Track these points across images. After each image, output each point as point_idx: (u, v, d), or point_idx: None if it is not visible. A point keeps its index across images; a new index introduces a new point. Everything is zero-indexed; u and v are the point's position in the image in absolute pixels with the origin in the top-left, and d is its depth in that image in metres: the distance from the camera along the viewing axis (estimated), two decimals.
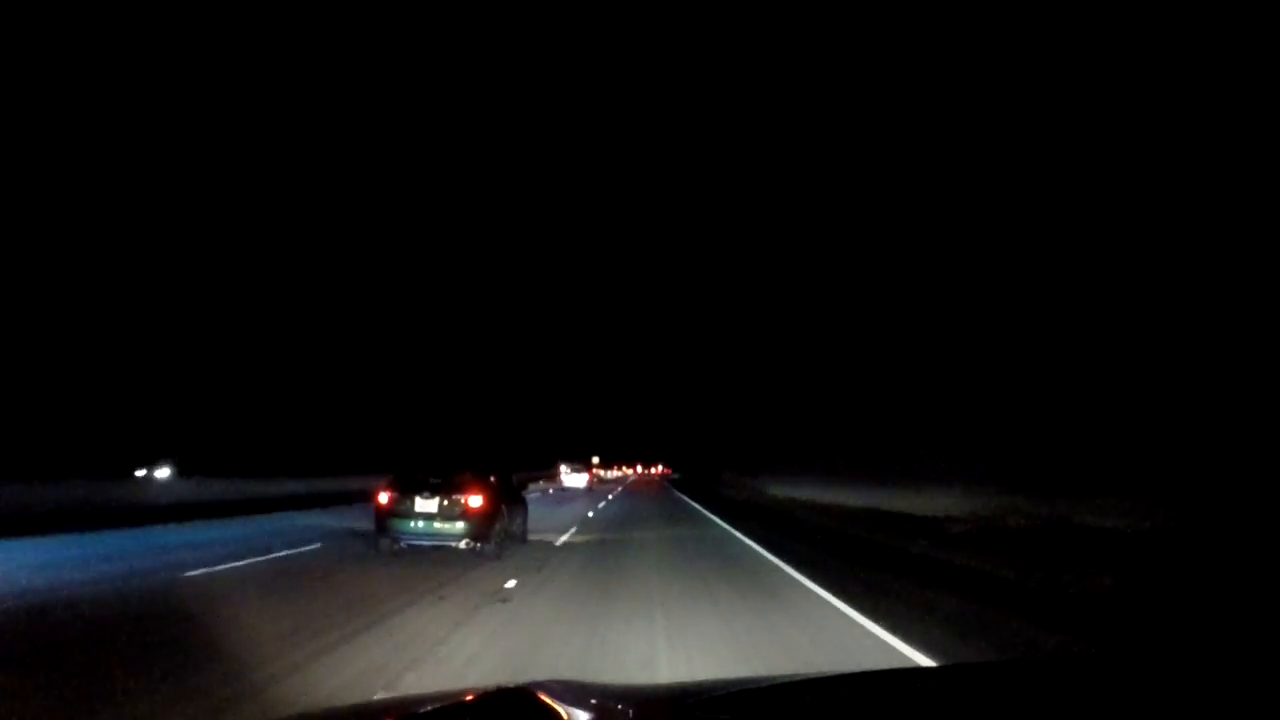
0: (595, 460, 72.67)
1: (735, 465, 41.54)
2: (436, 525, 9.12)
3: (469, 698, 1.59)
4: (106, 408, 18.03)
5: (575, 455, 63.53)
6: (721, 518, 18.48)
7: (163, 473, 19.50)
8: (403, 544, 9.43)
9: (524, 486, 13.19)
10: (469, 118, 50.96)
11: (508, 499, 10.47)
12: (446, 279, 44.18)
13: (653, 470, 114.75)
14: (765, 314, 32.68)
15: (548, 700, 1.42)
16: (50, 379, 16.84)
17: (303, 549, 10.01)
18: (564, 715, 1.34)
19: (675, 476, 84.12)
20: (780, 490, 28.74)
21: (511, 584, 7.55)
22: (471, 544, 9.18)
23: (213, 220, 22.89)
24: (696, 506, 23.95)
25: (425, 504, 9.20)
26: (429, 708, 1.49)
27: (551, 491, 32.76)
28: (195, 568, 7.90)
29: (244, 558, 8.85)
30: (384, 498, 9.39)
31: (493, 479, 10.04)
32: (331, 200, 30.49)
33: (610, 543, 12.14)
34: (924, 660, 4.87)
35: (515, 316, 62.68)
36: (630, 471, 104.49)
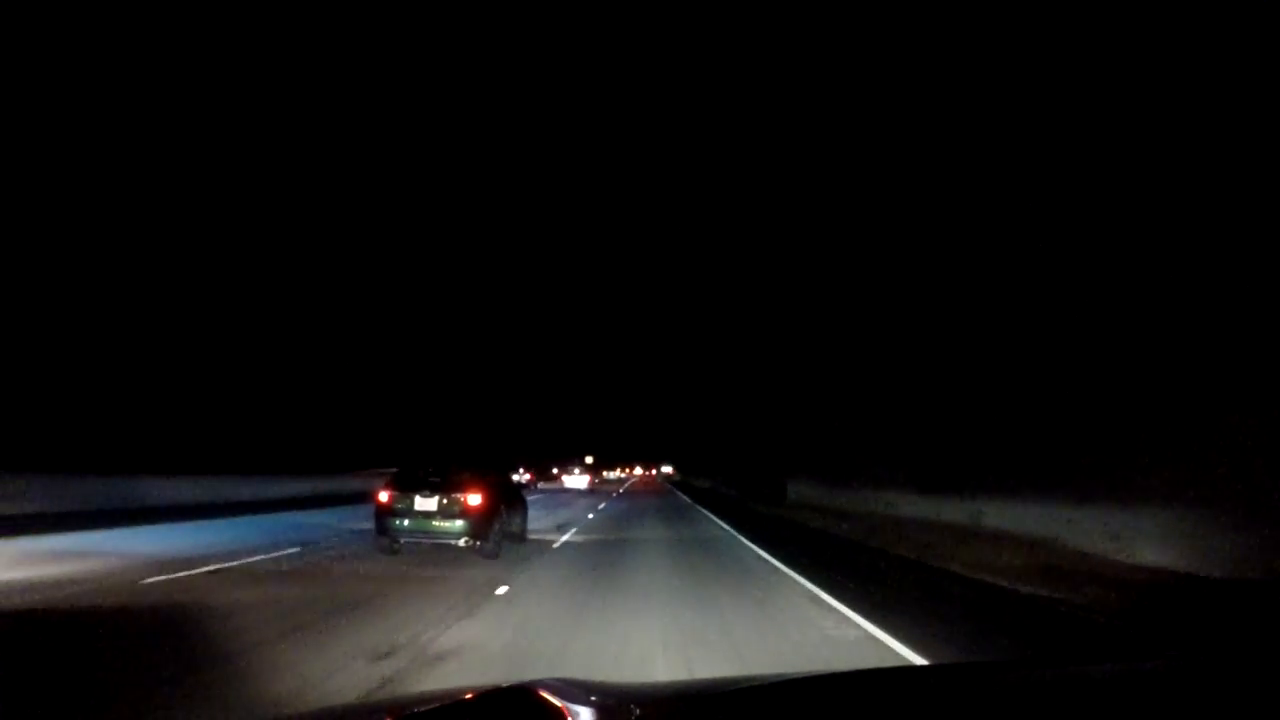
0: (589, 460, 68.31)
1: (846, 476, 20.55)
2: (435, 523, 9.12)
3: (469, 696, 1.58)
4: (108, 407, 18.01)
5: (572, 454, 62.41)
6: None
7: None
8: (402, 542, 9.44)
9: (526, 486, 13.16)
10: (468, 118, 50.86)
11: (507, 498, 10.48)
12: (445, 279, 44.07)
13: (652, 471, 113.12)
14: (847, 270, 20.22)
15: (549, 698, 1.41)
16: (51, 378, 16.83)
17: (309, 546, 10.08)
18: (565, 713, 1.33)
19: (677, 478, 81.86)
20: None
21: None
22: (470, 542, 9.19)
23: (214, 222, 22.87)
24: None
25: (425, 502, 9.20)
26: (429, 706, 1.48)
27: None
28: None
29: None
30: (384, 496, 9.39)
31: (492, 478, 10.05)
32: (331, 200, 30.47)
33: None
34: None
35: (514, 310, 62.47)
36: (629, 473, 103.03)
